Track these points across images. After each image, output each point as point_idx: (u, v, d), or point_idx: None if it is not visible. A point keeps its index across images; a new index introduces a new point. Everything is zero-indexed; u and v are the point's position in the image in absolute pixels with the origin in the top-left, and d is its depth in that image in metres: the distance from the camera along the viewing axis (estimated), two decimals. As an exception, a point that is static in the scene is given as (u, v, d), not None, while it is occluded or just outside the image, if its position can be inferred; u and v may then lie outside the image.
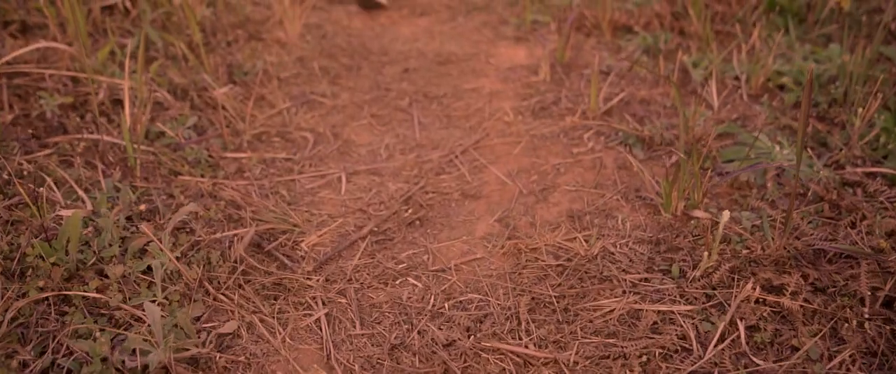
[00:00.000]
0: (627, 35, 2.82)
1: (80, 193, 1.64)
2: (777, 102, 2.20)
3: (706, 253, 1.48)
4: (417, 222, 1.70)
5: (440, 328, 1.39)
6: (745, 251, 1.53)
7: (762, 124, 2.04)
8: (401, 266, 1.58)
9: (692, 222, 1.64)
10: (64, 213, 1.52)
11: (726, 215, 1.46)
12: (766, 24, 2.66)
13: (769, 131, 2.00)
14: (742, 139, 1.94)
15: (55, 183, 1.69)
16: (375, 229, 1.67)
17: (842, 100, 2.12)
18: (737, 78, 2.35)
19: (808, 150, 1.88)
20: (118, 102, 2.08)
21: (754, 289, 1.44)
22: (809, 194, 1.72)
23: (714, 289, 1.46)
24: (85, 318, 1.36)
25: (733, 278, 1.48)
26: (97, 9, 2.51)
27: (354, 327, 1.41)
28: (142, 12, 2.46)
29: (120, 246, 1.52)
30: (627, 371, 1.28)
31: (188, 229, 1.62)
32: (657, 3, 2.94)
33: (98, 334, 1.31)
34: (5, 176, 1.67)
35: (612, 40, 2.80)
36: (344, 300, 1.48)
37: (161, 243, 1.49)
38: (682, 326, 1.38)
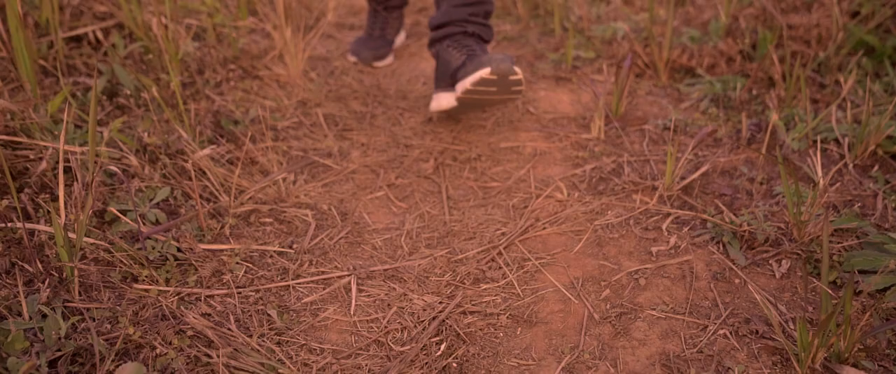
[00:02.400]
0: (688, 78, 2.31)
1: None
2: (893, 176, 1.69)
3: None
4: (454, 367, 1.20)
5: None
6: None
7: (887, 212, 1.54)
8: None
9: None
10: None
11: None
12: (854, 69, 2.15)
13: (900, 225, 1.49)
14: (872, 239, 1.43)
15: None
16: None
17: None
18: (837, 140, 1.84)
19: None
20: (69, 171, 1.58)
21: None
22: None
23: None
24: None
25: None
26: (61, 40, 2.01)
27: None
28: (110, 48, 1.95)
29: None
30: None
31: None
32: (721, 39, 2.43)
33: None
34: None
35: (670, 84, 2.29)
36: None
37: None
38: None
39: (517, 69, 1.72)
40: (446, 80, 1.91)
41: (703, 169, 1.69)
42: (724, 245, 1.47)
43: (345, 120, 2.02)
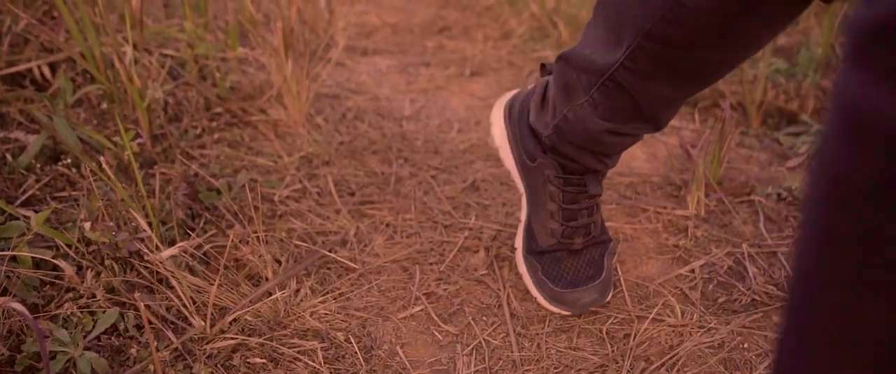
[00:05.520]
0: (787, 125, 1.78)
1: None
2: None
3: None
4: None
5: None
6: None
7: None
8: None
9: None
10: None
11: None
12: None
13: None
14: None
15: None
16: None
17: None
18: None
19: None
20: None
21: None
22: None
23: None
24: None
25: None
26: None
27: None
28: (51, 102, 1.40)
29: None
30: None
31: None
32: (818, 73, 1.90)
33: None
34: None
35: (765, 132, 1.76)
36: None
37: None
38: None
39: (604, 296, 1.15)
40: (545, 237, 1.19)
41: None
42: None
43: (362, 186, 1.49)
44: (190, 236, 1.27)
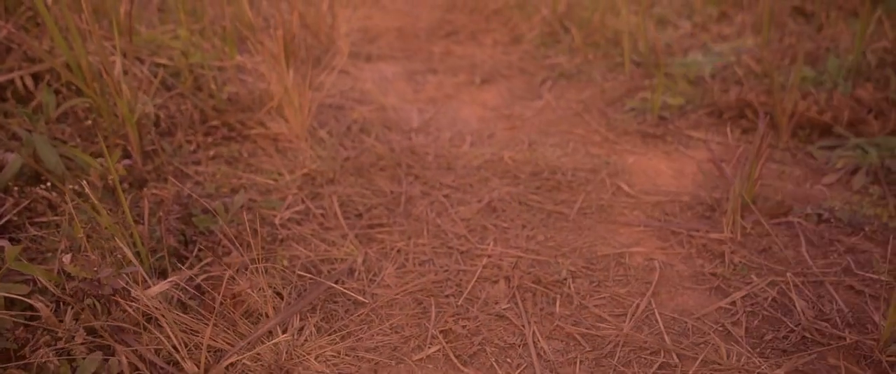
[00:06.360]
0: (819, 137, 1.66)
1: None
2: None
3: None
4: None
5: None
6: None
7: None
8: None
9: None
10: None
11: None
12: None
13: None
14: None
15: None
16: None
17: None
18: None
19: None
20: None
21: None
22: None
23: None
24: None
25: None
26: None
27: None
28: (32, 117, 1.28)
29: None
30: None
31: None
32: (847, 81, 1.78)
33: None
34: None
35: (797, 145, 1.64)
36: None
37: None
38: None
39: None
40: None
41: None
42: None
43: (370, 208, 1.36)
44: (183, 264, 1.14)
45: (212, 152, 1.45)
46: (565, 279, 1.17)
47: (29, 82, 1.45)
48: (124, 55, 1.45)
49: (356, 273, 1.18)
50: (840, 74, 1.82)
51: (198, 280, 1.11)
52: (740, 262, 1.22)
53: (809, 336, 1.05)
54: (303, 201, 1.36)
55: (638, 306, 1.12)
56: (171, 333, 0.97)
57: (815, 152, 1.59)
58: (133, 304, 1.00)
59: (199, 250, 1.19)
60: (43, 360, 0.92)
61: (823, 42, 2.02)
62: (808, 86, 1.80)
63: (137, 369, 0.95)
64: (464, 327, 1.08)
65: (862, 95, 1.67)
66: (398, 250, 1.24)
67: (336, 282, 1.15)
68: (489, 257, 1.23)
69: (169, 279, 1.01)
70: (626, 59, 1.99)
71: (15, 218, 1.18)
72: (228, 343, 1.00)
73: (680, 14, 2.48)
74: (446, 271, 1.19)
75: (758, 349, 1.03)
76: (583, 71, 2.06)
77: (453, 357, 1.03)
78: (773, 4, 2.28)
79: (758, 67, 1.91)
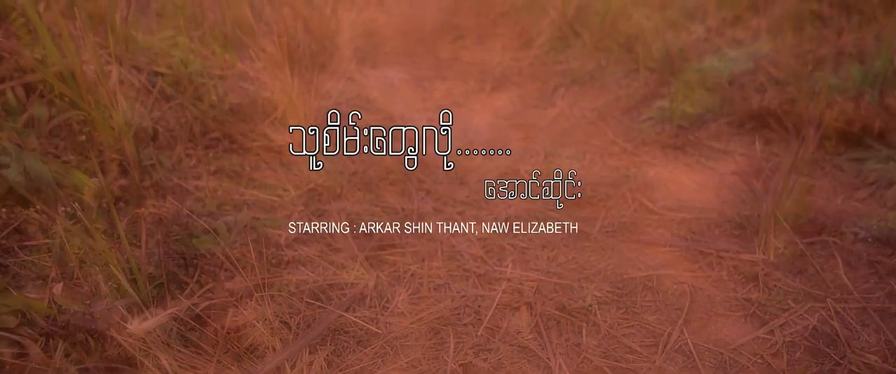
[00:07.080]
0: (848, 148, 1.58)
1: None
2: None
3: None
4: None
5: None
6: None
7: None
8: None
9: None
10: None
11: None
12: None
13: None
14: None
15: None
16: None
17: None
18: None
19: None
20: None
21: None
22: None
23: None
24: None
25: None
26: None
27: None
28: (22, 132, 1.20)
29: None
30: None
31: None
32: (872, 88, 1.70)
33: None
34: None
35: (824, 156, 1.56)
36: None
37: None
38: None
39: None
40: None
41: None
42: None
43: (379, 224, 1.28)
44: (182, 291, 1.06)
45: (213, 166, 1.37)
46: (591, 306, 1.09)
47: (21, 93, 1.37)
48: (121, 64, 1.37)
49: (367, 300, 1.10)
50: (866, 81, 1.74)
51: (198, 310, 1.02)
52: (775, 286, 1.14)
53: (857, 370, 0.97)
54: (309, 219, 1.27)
55: (669, 335, 1.04)
56: (170, 371, 0.89)
57: (844, 165, 1.51)
58: (129, 339, 0.92)
59: (200, 274, 1.11)
60: (30, 404, 0.84)
61: (845, 47, 1.94)
62: (833, 94, 1.72)
63: (133, 411, 0.87)
64: (485, 360, 1.00)
65: (891, 103, 1.59)
66: (411, 273, 1.16)
67: (346, 310, 1.07)
68: (508, 280, 1.15)
69: (167, 311, 0.93)
70: (641, 65, 1.91)
71: (3, 241, 1.09)
72: (232, 381, 0.92)
73: (692, 17, 2.40)
74: (463, 296, 1.11)
75: (802, 385, 0.96)
76: (596, 77, 1.98)
77: (475, 395, 0.95)
78: (790, 8, 2.20)
79: (778, 74, 1.83)
